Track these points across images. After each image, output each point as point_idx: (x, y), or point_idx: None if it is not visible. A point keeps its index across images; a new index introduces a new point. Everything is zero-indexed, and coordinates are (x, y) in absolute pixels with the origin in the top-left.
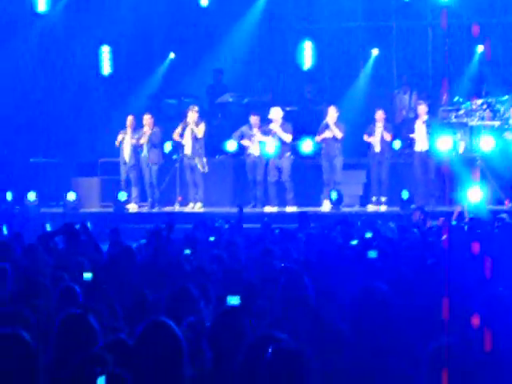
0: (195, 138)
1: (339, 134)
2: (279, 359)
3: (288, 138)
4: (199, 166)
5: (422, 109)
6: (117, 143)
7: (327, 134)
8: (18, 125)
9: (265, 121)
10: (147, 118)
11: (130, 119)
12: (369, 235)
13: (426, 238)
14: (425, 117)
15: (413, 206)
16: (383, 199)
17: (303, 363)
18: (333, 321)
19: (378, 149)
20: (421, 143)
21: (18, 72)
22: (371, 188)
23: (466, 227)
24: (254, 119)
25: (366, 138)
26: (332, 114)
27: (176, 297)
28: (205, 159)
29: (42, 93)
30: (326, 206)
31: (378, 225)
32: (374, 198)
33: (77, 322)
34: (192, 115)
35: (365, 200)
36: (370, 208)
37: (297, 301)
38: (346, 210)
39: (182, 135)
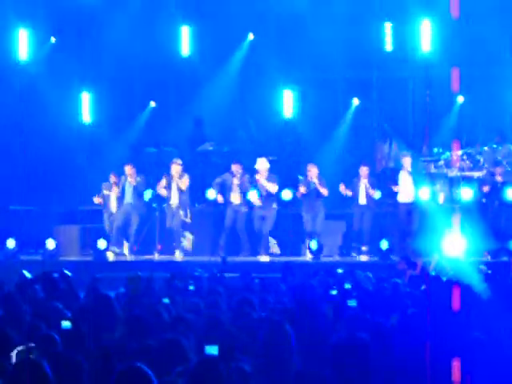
0: (180, 190)
1: (325, 192)
2: None
3: (274, 188)
4: (183, 217)
5: (407, 160)
6: (98, 200)
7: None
8: None
9: (247, 170)
10: (129, 168)
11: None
12: (348, 286)
13: (405, 288)
14: (410, 168)
15: (393, 257)
16: (364, 248)
17: None
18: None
19: (363, 201)
20: (405, 194)
21: None
22: (352, 237)
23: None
24: (235, 167)
25: (342, 188)
26: (314, 170)
27: (165, 347)
28: (189, 210)
29: (22, 140)
30: (307, 256)
31: (357, 275)
32: (353, 244)
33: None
34: (175, 168)
35: (345, 250)
36: (353, 255)
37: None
38: (325, 259)
39: (167, 187)
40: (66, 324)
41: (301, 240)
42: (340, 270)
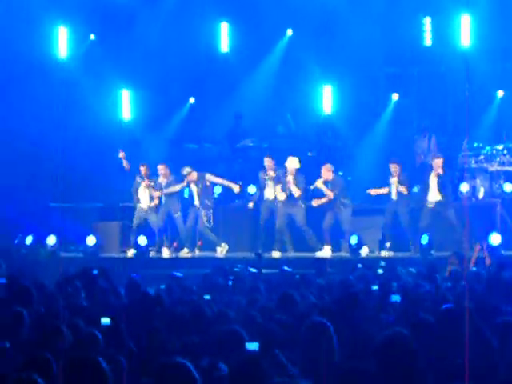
0: (203, 190)
1: (331, 195)
2: None
3: (297, 192)
4: (204, 219)
5: (438, 163)
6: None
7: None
8: (39, 169)
9: (281, 165)
10: (162, 168)
11: (143, 169)
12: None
13: (446, 283)
14: (440, 170)
15: (434, 252)
16: (388, 244)
17: None
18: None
19: (394, 197)
20: (433, 194)
21: (39, 117)
22: (385, 234)
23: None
24: (266, 161)
25: (372, 192)
26: (325, 173)
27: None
28: (209, 212)
29: (62, 138)
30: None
31: (398, 271)
32: (388, 244)
33: (87, 366)
34: (192, 176)
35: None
36: (383, 254)
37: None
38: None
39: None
40: (105, 321)
41: (339, 235)
42: (382, 265)
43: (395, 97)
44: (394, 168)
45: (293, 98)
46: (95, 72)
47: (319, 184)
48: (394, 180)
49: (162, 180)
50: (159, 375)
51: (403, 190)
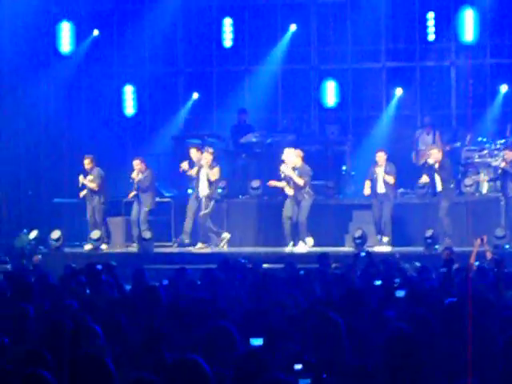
0: (209, 181)
1: (301, 182)
2: None
3: (300, 181)
4: (203, 210)
5: (381, 156)
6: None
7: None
8: (42, 165)
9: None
10: (137, 163)
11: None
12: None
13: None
14: (436, 165)
15: (437, 247)
16: (385, 239)
17: None
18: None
19: (381, 190)
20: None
21: (42, 112)
22: (374, 228)
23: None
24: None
25: (367, 188)
26: (291, 157)
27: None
28: (213, 203)
29: (65, 133)
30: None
31: (401, 265)
32: (377, 238)
33: (93, 364)
34: (206, 156)
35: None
36: (376, 248)
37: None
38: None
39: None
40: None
41: (344, 230)
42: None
43: (398, 92)
44: (381, 156)
45: (296, 92)
46: (99, 67)
47: (289, 170)
48: (379, 169)
49: (135, 175)
50: (171, 371)
51: (390, 179)
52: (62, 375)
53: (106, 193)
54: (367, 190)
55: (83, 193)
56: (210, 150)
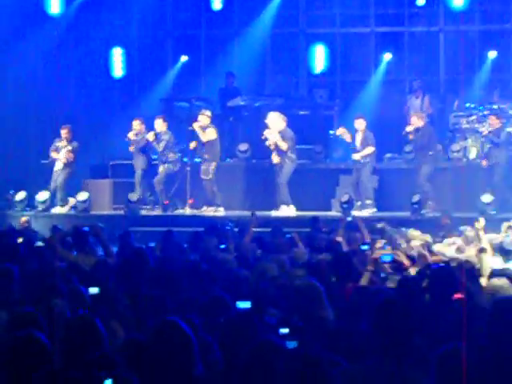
0: (201, 143)
1: (284, 146)
2: (294, 366)
3: (283, 146)
4: (202, 174)
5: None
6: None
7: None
8: (29, 127)
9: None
10: (137, 124)
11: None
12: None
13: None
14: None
15: (423, 212)
16: (368, 202)
17: (317, 370)
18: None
19: (357, 157)
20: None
21: (30, 74)
22: (352, 194)
23: None
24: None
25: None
26: (275, 121)
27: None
28: (213, 165)
29: (53, 95)
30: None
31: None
32: (358, 203)
33: (83, 325)
34: (201, 118)
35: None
36: (356, 213)
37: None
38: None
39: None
40: (93, 290)
41: (331, 195)
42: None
43: (387, 56)
44: (360, 123)
45: (285, 56)
46: (87, 29)
47: (273, 135)
48: (358, 136)
49: (132, 135)
50: (154, 334)
51: (365, 149)
52: (53, 336)
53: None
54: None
55: (54, 155)
56: (207, 112)
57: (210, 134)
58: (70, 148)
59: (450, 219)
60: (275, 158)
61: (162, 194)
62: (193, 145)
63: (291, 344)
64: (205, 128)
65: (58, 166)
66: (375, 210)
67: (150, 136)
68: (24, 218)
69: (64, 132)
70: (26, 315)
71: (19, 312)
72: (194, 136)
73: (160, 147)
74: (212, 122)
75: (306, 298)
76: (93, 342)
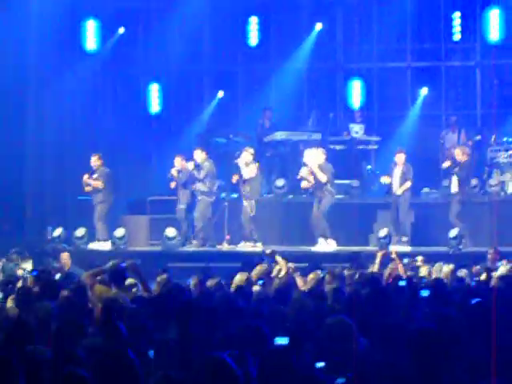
0: (244, 180)
1: (324, 178)
2: None
3: (323, 177)
4: (247, 210)
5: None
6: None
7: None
8: (68, 162)
9: None
10: (178, 161)
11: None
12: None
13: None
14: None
15: (461, 247)
16: (404, 239)
17: None
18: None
19: (398, 191)
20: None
21: (67, 111)
22: (391, 228)
23: None
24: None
25: (383, 179)
26: (312, 158)
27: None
28: (254, 202)
29: (90, 131)
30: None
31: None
32: (395, 238)
33: (119, 361)
34: (244, 155)
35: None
36: (392, 248)
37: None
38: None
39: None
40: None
41: (368, 230)
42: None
43: (424, 91)
44: (400, 157)
45: (322, 92)
46: (124, 65)
47: (310, 168)
48: (397, 170)
49: (174, 172)
50: (200, 369)
51: (407, 183)
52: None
53: (110, 191)
54: (385, 180)
55: (88, 188)
56: (251, 150)
57: (253, 171)
58: (96, 175)
59: (498, 254)
60: (306, 184)
61: (204, 230)
62: (235, 178)
63: (341, 380)
64: (248, 164)
65: (94, 198)
66: (410, 248)
67: (190, 165)
68: (65, 255)
69: (93, 160)
70: (67, 352)
71: (65, 350)
72: (232, 171)
73: (201, 175)
74: (254, 160)
75: (336, 335)
76: (128, 379)
